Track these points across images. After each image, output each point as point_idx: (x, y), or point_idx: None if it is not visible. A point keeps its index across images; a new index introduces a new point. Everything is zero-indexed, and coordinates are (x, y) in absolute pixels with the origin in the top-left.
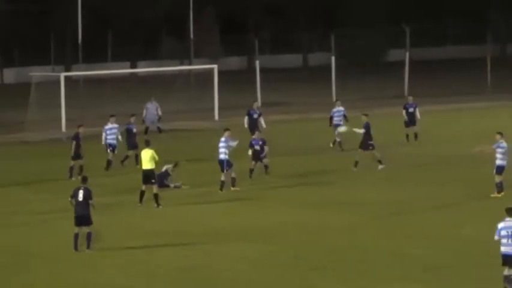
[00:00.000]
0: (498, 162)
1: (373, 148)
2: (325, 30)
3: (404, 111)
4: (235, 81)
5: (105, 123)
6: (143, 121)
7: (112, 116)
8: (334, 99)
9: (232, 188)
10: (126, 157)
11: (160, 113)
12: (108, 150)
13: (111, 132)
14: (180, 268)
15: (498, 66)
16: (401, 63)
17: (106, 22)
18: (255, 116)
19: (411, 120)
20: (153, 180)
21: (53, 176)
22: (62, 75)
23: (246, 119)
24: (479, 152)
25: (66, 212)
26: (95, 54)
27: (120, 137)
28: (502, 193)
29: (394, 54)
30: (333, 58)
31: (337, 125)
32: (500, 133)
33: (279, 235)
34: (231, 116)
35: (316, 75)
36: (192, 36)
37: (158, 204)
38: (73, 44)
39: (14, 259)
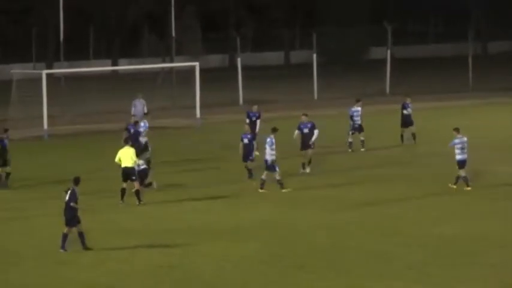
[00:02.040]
0: (458, 157)
1: (312, 148)
2: (307, 28)
3: (404, 111)
4: (217, 79)
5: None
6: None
7: (145, 114)
8: (316, 96)
9: (282, 190)
10: None
11: (146, 110)
12: None
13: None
14: (162, 266)
15: (480, 65)
16: (383, 61)
17: (87, 20)
18: (253, 118)
19: (408, 121)
20: (133, 177)
21: (34, 173)
22: (44, 72)
23: (247, 121)
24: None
25: (47, 210)
26: (76, 52)
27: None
28: (456, 186)
29: (376, 52)
30: (315, 56)
31: (358, 126)
32: (456, 129)
33: (260, 233)
34: (212, 114)
35: (298, 72)
36: (174, 34)
37: (140, 201)
38: (55, 41)
39: None
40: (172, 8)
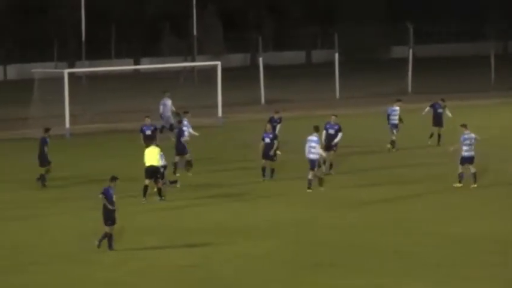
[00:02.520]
0: (465, 153)
1: (334, 150)
2: (328, 27)
3: (429, 108)
4: (238, 78)
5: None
6: (161, 117)
7: (185, 112)
8: (337, 95)
9: (308, 190)
10: None
11: (174, 108)
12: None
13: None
14: (182, 265)
15: (500, 64)
16: (404, 60)
17: (108, 19)
18: (275, 124)
19: (438, 121)
20: (158, 175)
21: (56, 173)
22: (66, 71)
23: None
24: (454, 151)
25: (67, 208)
26: (98, 51)
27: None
28: (476, 183)
29: (396, 51)
30: (337, 55)
31: (394, 125)
32: (464, 125)
33: (280, 232)
34: (234, 113)
35: (320, 72)
36: (195, 33)
37: (161, 197)
38: (76, 40)
39: (13, 255)
40: (194, 7)
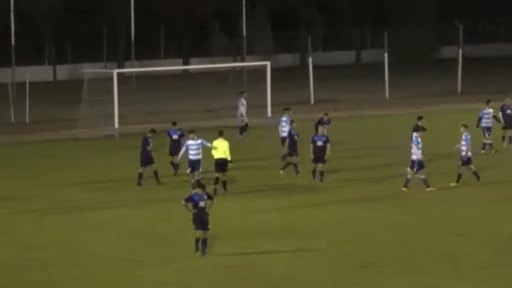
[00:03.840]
0: (470, 153)
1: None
2: (377, 27)
3: (500, 113)
4: (288, 78)
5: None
6: (241, 118)
7: (287, 109)
8: (387, 95)
9: (427, 189)
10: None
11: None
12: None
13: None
14: (231, 265)
15: None
16: (454, 60)
17: (158, 19)
18: (325, 125)
19: (509, 123)
20: (226, 168)
21: (105, 173)
22: (115, 71)
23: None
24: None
25: (116, 209)
26: (147, 51)
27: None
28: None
29: (446, 51)
30: (386, 55)
31: (487, 128)
32: (464, 125)
33: (329, 232)
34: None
35: (369, 72)
36: (244, 33)
37: (226, 190)
38: (125, 40)
39: (62, 254)
40: (244, 7)
